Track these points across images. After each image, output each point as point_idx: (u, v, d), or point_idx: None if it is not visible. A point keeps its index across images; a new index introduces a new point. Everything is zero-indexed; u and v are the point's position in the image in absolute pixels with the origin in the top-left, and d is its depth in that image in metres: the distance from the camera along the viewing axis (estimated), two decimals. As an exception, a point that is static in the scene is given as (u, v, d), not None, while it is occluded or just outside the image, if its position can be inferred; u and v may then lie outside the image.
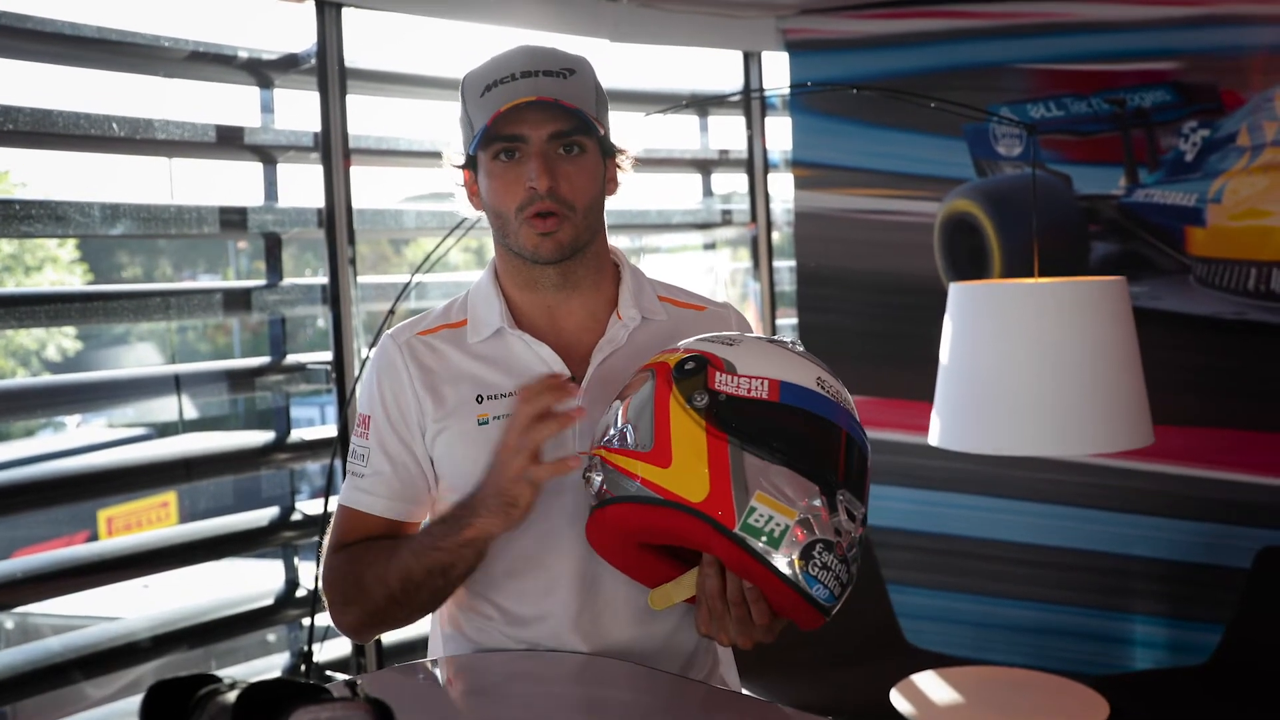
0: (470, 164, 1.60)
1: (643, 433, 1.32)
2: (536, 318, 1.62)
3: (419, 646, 3.15)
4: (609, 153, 1.61)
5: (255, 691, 0.90)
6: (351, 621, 1.60)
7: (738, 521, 1.27)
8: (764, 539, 1.26)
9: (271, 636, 3.55)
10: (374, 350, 1.67)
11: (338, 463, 2.92)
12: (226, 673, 3.12)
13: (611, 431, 1.36)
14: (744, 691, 1.77)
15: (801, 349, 1.40)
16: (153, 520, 6.99)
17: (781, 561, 1.27)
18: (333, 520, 1.66)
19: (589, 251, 1.60)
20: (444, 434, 1.58)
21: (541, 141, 1.51)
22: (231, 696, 0.90)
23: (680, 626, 1.62)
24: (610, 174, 1.62)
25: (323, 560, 1.66)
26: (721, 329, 1.64)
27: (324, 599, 1.64)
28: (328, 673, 2.94)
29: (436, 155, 3.41)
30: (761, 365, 1.34)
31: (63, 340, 10.10)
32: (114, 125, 2.63)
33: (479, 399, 1.57)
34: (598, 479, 1.36)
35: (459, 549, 1.49)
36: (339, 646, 3.03)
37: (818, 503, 1.27)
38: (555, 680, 1.53)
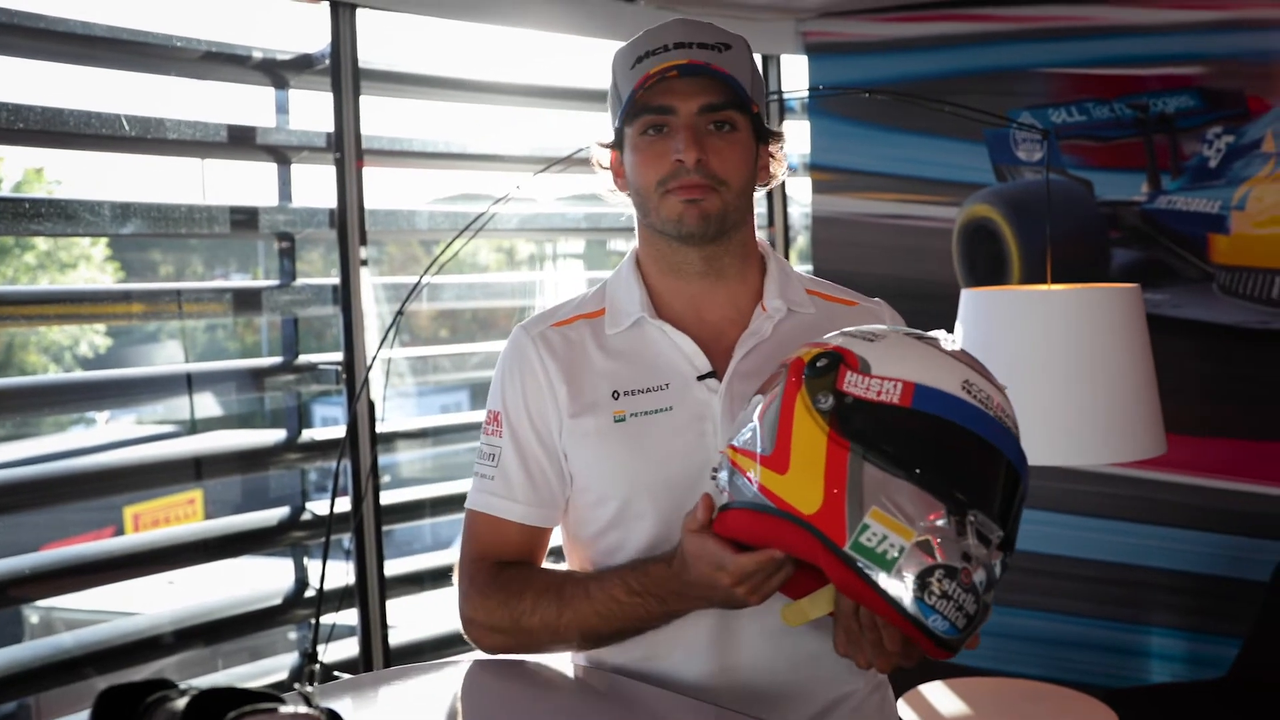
0: (617, 143, 1.54)
1: (766, 433, 1.21)
2: (679, 307, 1.55)
3: (426, 648, 3.15)
4: (763, 138, 1.53)
5: (204, 699, 0.89)
6: (495, 646, 1.53)
7: (848, 539, 1.15)
8: (874, 560, 1.14)
9: (293, 634, 3.57)
10: (506, 344, 1.59)
11: (345, 464, 2.92)
12: (232, 673, 3.13)
13: (745, 429, 1.25)
14: None
15: (956, 347, 1.26)
16: (180, 517, 7.02)
17: (893, 586, 1.14)
18: (465, 526, 1.58)
19: (735, 239, 1.53)
20: (578, 430, 1.51)
21: (691, 114, 1.44)
22: (181, 704, 0.90)
23: (823, 657, 1.44)
24: (763, 161, 1.54)
25: (460, 571, 1.57)
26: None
27: (460, 609, 1.55)
28: (335, 673, 2.94)
29: (450, 156, 3.38)
30: (900, 365, 1.20)
31: (94, 337, 10.18)
32: (124, 124, 2.63)
33: (615, 395, 1.50)
34: (724, 477, 1.26)
35: (664, 619, 1.43)
36: (346, 648, 3.03)
37: (943, 523, 1.15)
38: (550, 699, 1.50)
